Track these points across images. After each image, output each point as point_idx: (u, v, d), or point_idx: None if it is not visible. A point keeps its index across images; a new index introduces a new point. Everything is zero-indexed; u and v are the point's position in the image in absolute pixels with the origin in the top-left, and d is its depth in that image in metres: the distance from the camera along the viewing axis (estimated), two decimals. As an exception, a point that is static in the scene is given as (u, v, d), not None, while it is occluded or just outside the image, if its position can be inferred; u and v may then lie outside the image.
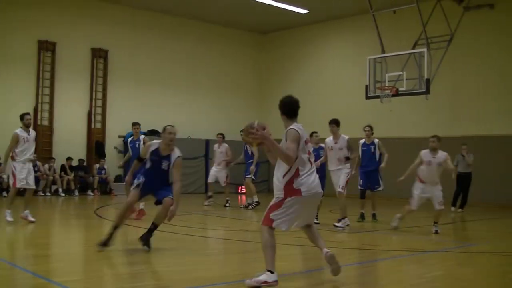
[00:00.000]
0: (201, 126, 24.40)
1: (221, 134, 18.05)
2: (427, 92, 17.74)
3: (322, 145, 13.55)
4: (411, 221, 13.83)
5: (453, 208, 17.38)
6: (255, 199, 16.98)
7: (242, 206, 17.56)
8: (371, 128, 14.20)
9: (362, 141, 14.25)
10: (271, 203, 6.81)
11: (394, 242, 11.02)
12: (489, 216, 16.61)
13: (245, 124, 6.73)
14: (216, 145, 18.07)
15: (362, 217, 13.96)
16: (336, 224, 12.54)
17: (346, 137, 12.73)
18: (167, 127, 9.08)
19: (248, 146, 17.14)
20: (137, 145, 13.88)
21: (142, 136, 14.21)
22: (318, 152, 13.35)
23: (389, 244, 10.71)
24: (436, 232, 11.83)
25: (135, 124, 14.34)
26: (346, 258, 9.12)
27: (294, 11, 23.57)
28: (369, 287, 7.43)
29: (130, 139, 14.34)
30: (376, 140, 14.13)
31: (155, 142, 9.10)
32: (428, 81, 17.62)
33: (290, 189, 6.65)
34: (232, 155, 17.78)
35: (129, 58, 23.57)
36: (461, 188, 17.48)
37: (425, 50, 17.83)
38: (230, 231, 12.30)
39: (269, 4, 22.42)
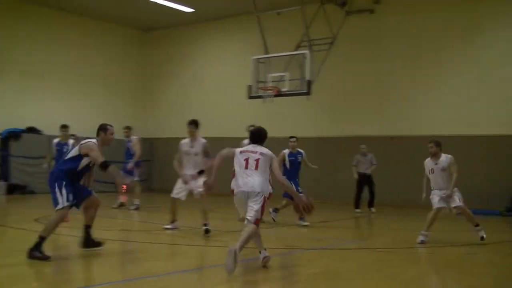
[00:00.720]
0: (82, 124, 23.47)
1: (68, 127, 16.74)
2: (309, 93, 18.02)
3: (300, 150, 13.98)
4: (292, 218, 14.03)
5: (357, 210, 17.34)
6: (136, 202, 16.55)
7: (116, 206, 16.95)
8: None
9: (246, 141, 14.13)
10: None
11: (273, 240, 11.11)
12: (374, 216, 17.07)
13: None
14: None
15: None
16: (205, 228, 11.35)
17: (203, 141, 11.64)
18: (109, 127, 8.92)
19: (131, 144, 16.74)
20: (65, 150, 13.67)
21: (71, 141, 14.25)
22: (296, 157, 13.82)
23: (269, 242, 10.77)
24: (482, 238, 10.71)
25: (65, 126, 14.31)
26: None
27: (179, 10, 23.40)
28: (248, 284, 7.45)
29: (56, 141, 14.30)
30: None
31: (93, 141, 8.70)
32: (309, 82, 17.92)
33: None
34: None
35: (3, 51, 22.40)
36: (362, 189, 17.54)
37: (307, 52, 18.14)
38: (110, 231, 12.00)
39: (154, 1, 22.16)
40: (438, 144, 11.21)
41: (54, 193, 8.45)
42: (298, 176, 13.95)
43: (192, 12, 23.79)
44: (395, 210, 17.55)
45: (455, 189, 10.94)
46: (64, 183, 8.49)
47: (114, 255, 9.31)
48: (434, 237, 10.95)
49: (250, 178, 7.98)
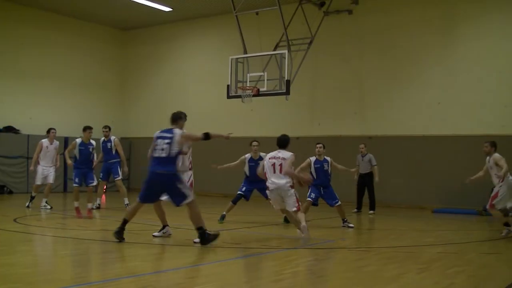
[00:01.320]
0: (61, 123, 23.21)
1: (54, 128, 16.53)
2: (287, 92, 18.08)
3: (327, 158, 13.59)
4: (273, 218, 14.06)
5: (353, 210, 17.13)
6: (126, 201, 16.27)
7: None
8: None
9: (248, 155, 13.98)
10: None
11: (254, 240, 11.14)
12: (355, 215, 17.11)
13: None
14: (45, 140, 16.37)
15: (223, 218, 13.74)
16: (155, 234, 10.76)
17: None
18: (183, 115, 10.17)
19: (111, 144, 16.45)
20: (90, 149, 14.61)
21: (93, 141, 14.84)
22: (322, 165, 13.40)
23: (249, 242, 10.82)
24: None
25: (89, 128, 14.71)
26: (207, 256, 9.15)
27: (158, 9, 23.32)
28: (229, 284, 7.47)
29: (80, 141, 14.64)
30: (263, 154, 13.20)
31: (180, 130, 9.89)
32: (288, 82, 17.97)
33: None
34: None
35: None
36: (364, 189, 17.46)
37: (286, 51, 18.17)
38: (89, 231, 11.98)
39: (132, 0, 22.08)
40: (493, 145, 11.96)
41: (178, 189, 9.50)
42: (328, 184, 13.43)
43: (171, 11, 23.73)
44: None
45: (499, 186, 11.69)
46: (181, 178, 9.73)
47: (94, 255, 9.29)
48: (413, 236, 11.03)
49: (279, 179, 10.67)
